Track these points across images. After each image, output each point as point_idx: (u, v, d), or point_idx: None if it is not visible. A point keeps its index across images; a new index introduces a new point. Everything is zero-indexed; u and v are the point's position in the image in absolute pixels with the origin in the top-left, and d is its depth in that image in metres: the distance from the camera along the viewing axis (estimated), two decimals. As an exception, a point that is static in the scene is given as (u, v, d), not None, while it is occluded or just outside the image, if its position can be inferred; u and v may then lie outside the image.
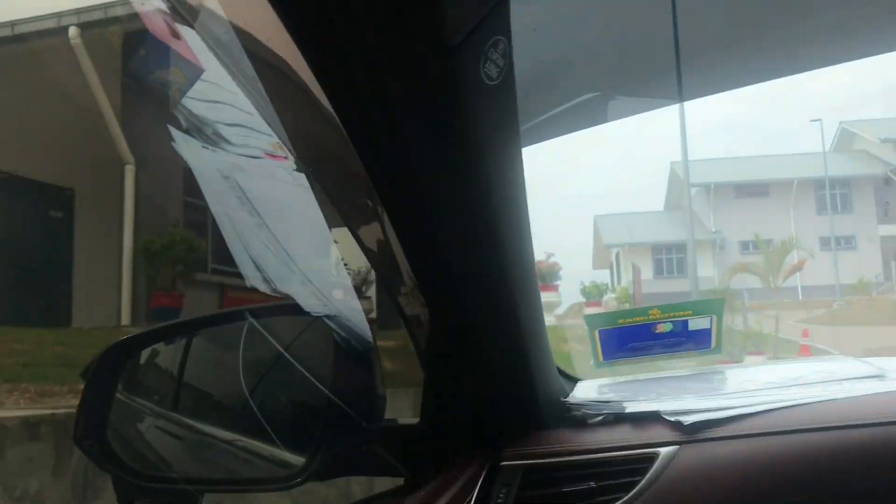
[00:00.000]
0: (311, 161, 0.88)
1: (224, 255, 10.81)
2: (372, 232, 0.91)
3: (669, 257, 26.23)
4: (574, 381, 1.35)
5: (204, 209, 11.16)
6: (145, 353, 1.13)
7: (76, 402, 4.54)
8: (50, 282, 9.57)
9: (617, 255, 25.54)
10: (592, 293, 18.69)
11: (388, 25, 0.63)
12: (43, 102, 9.16)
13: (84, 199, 10.07)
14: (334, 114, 0.75)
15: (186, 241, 8.78)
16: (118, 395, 1.07)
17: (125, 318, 8.65)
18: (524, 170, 0.86)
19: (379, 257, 0.95)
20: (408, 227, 0.88)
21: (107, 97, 8.58)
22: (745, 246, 25.02)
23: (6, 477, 3.47)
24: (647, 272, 24.20)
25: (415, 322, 1.05)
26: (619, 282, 23.43)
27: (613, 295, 19.54)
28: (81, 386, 4.38)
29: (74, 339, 6.86)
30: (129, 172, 8.86)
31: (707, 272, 22.42)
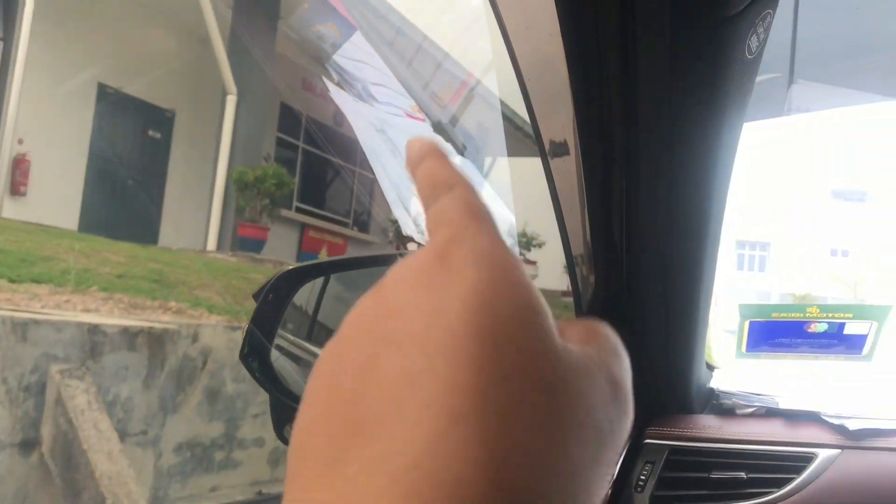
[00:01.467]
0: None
1: (308, 194, 11.01)
2: (567, 186, 0.90)
3: (752, 254, 25.56)
4: (712, 368, 1.32)
5: (294, 147, 11.31)
6: (304, 286, 1.15)
7: (166, 318, 4.66)
8: (141, 199, 9.89)
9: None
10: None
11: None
12: (156, 23, 9.39)
13: (183, 123, 10.33)
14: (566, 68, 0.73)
15: (277, 175, 8.93)
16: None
17: (211, 244, 8.87)
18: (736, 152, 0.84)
19: (566, 217, 0.94)
20: (603, 186, 0.86)
21: (217, 27, 8.70)
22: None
23: (102, 379, 3.63)
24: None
25: (582, 284, 1.04)
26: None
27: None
28: (171, 303, 4.50)
29: (164, 257, 7.07)
30: (231, 102, 9.00)
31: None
